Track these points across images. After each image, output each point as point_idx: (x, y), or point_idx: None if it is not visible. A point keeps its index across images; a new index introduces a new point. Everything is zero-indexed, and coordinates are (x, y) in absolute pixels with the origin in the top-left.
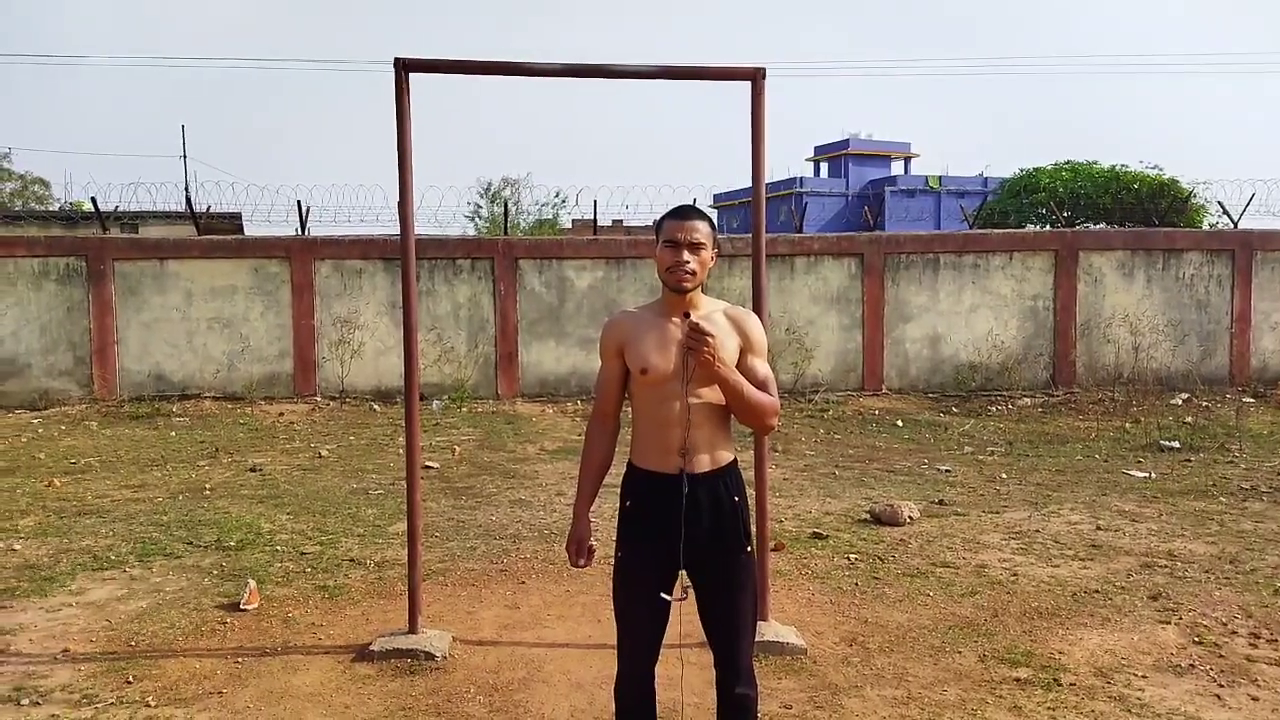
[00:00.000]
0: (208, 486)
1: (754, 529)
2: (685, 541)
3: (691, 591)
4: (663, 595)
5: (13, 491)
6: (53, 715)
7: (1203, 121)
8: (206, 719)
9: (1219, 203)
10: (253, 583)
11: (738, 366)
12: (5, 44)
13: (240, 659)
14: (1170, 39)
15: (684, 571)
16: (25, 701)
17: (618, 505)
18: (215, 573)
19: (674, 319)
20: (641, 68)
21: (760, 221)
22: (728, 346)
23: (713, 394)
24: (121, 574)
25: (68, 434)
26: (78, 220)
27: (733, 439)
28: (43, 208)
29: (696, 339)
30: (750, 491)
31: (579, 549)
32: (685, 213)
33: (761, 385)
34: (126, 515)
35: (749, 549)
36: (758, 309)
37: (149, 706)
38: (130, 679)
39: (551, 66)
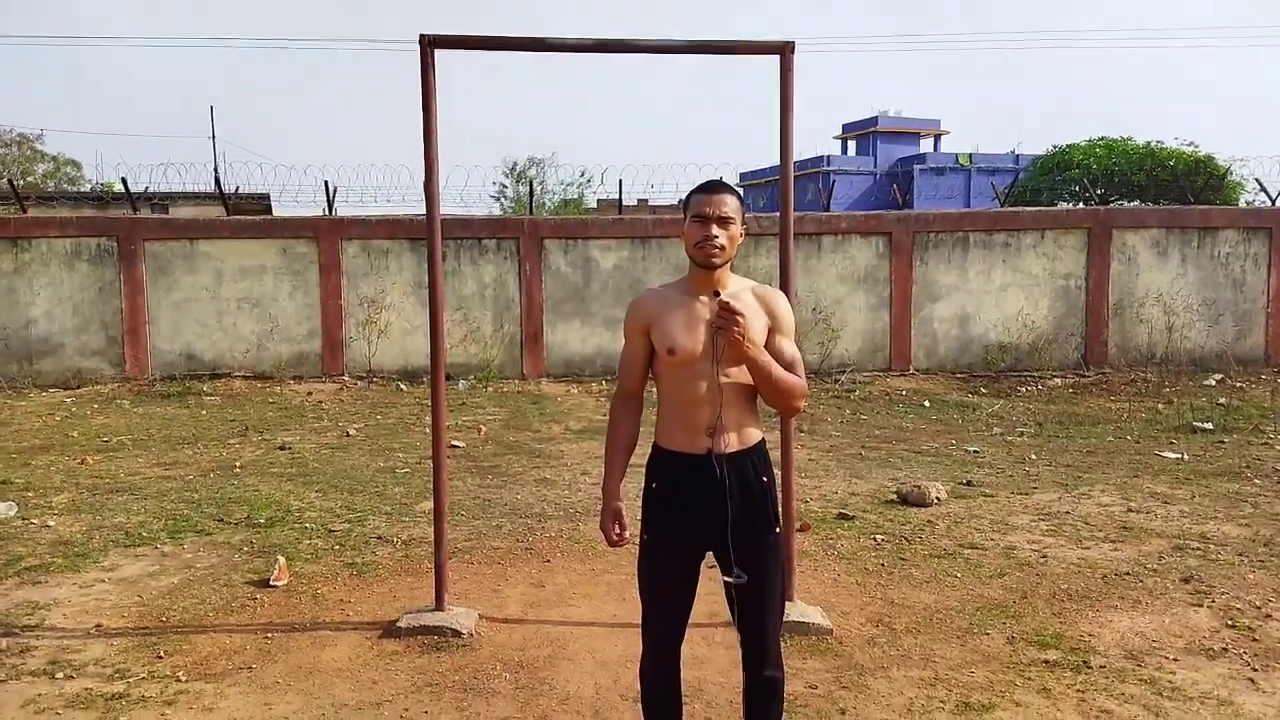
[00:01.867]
0: (238, 464)
1: (781, 510)
2: (715, 523)
3: (719, 571)
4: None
5: (47, 469)
6: (86, 689)
7: (1240, 97)
8: (236, 693)
9: (1256, 180)
10: (282, 559)
11: (764, 346)
12: (38, 25)
13: (270, 635)
14: (1208, 11)
15: (711, 553)
16: (59, 675)
17: (642, 486)
18: (245, 549)
19: (701, 297)
20: (668, 42)
21: (788, 199)
22: (755, 326)
23: (741, 374)
24: (153, 550)
25: (100, 412)
26: (109, 201)
27: (760, 418)
28: (74, 189)
29: (726, 318)
30: (776, 472)
31: (618, 525)
32: (714, 187)
33: (789, 366)
34: (158, 493)
35: (777, 530)
36: (785, 288)
37: (180, 681)
38: (161, 654)
39: (578, 41)
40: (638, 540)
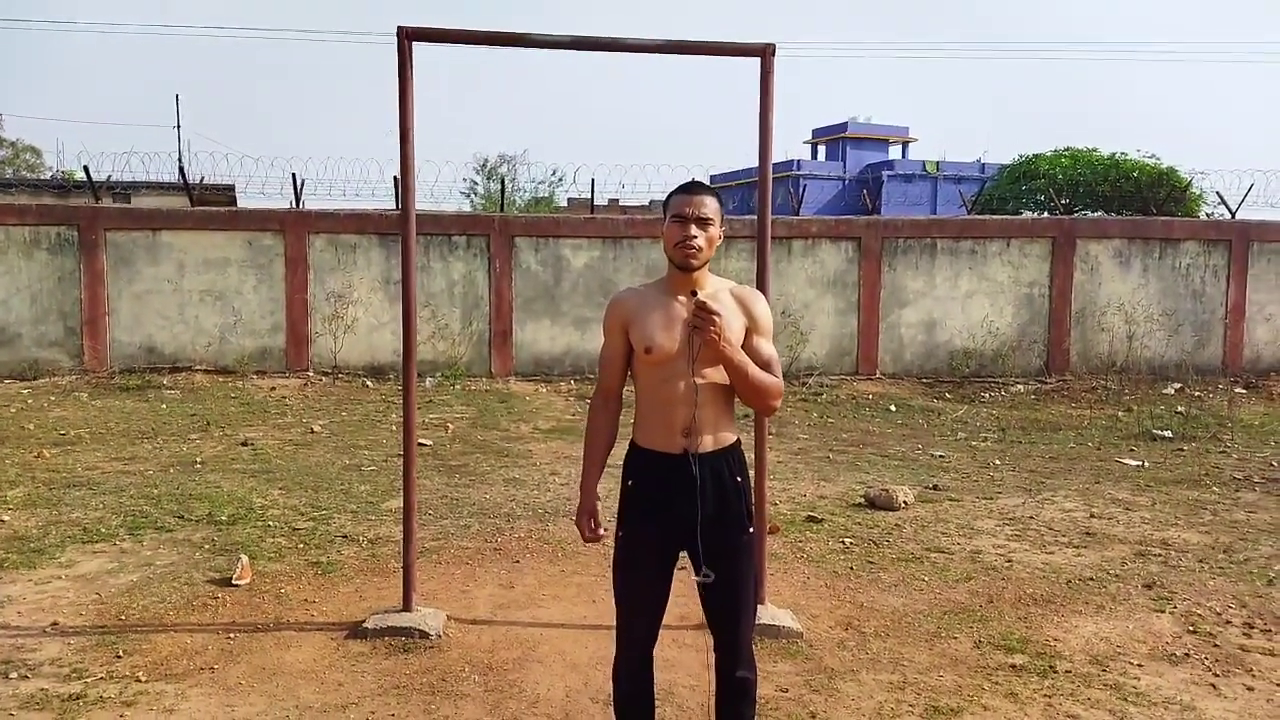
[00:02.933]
0: (199, 460)
1: (754, 510)
2: (689, 522)
3: (690, 573)
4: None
5: (1, 462)
6: (41, 690)
7: (1202, 111)
8: (198, 695)
9: (1217, 193)
10: (245, 558)
11: (742, 346)
12: None
13: (232, 635)
14: (1172, 26)
15: (685, 553)
16: (14, 675)
17: (619, 485)
18: (207, 547)
19: (680, 297)
20: (650, 41)
21: (766, 201)
22: (733, 326)
23: (717, 374)
24: (112, 547)
25: (57, 405)
26: (70, 189)
27: (735, 419)
28: (34, 176)
29: (703, 318)
30: (752, 473)
31: (594, 522)
32: (693, 188)
33: (766, 366)
34: (117, 488)
35: (750, 530)
36: (761, 289)
37: (139, 681)
38: (120, 653)
39: (558, 38)
40: (613, 539)
